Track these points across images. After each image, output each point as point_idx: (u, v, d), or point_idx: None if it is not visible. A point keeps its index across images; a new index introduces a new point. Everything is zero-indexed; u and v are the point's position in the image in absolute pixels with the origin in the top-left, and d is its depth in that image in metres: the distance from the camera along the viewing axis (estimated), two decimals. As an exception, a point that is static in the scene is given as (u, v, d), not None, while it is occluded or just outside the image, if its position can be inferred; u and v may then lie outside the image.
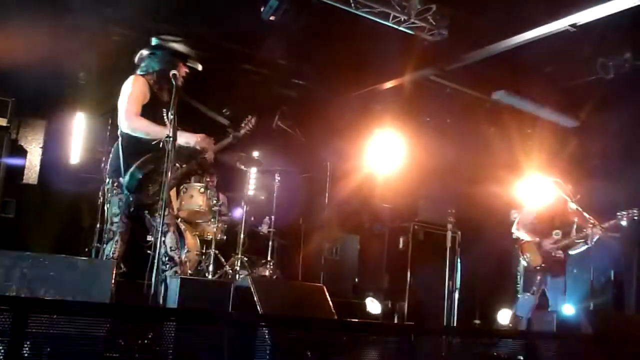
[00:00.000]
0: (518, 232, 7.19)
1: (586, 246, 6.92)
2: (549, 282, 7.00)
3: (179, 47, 4.98)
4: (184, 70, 4.91)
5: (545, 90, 8.79)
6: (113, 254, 4.72)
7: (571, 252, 7.00)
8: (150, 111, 4.84)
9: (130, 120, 4.74)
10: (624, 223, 6.79)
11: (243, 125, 5.44)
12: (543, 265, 6.94)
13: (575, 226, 7.03)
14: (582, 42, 7.41)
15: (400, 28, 7.70)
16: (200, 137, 4.87)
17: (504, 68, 8.40)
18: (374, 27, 7.66)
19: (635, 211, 6.78)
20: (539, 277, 6.93)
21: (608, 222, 6.84)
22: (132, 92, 4.80)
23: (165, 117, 4.88)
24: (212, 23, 7.91)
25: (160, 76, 4.88)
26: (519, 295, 7.12)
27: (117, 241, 4.73)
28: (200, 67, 5.02)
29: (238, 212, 8.22)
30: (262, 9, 7.25)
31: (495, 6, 7.21)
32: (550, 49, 7.61)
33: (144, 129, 4.72)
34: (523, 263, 7.08)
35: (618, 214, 6.85)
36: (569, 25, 6.99)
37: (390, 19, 7.60)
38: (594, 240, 6.84)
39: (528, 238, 7.08)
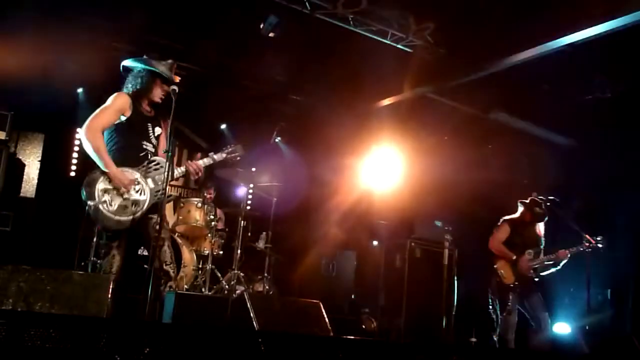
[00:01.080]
0: (493, 249, 7.14)
1: (555, 269, 6.92)
2: (524, 302, 6.95)
3: (162, 69, 4.97)
4: (164, 90, 4.93)
5: (542, 108, 8.82)
6: (110, 268, 4.72)
7: (542, 274, 6.95)
8: (135, 125, 4.89)
9: (90, 131, 4.71)
10: (588, 250, 6.81)
11: (224, 149, 5.21)
12: (516, 283, 6.90)
13: (543, 247, 7.03)
14: (580, 62, 7.44)
15: (399, 46, 7.76)
16: (113, 176, 4.64)
17: (502, 86, 8.43)
18: (373, 45, 7.71)
19: (599, 239, 6.80)
20: (511, 296, 6.87)
21: (573, 248, 6.85)
22: (108, 106, 4.82)
23: (150, 132, 4.93)
24: (212, 38, 7.96)
25: (144, 94, 4.94)
26: (494, 316, 7.06)
27: (113, 255, 4.74)
28: (176, 88, 4.93)
29: (242, 191, 8.18)
30: (261, 26, 7.29)
31: (493, 25, 7.25)
32: (548, 68, 7.65)
33: (96, 149, 4.66)
34: (496, 280, 7.03)
35: (584, 240, 6.84)
36: (567, 45, 7.03)
37: (389, 37, 7.66)
38: (562, 263, 6.86)
39: (503, 254, 7.06)
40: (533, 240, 7.06)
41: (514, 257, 6.94)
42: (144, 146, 4.89)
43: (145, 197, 4.72)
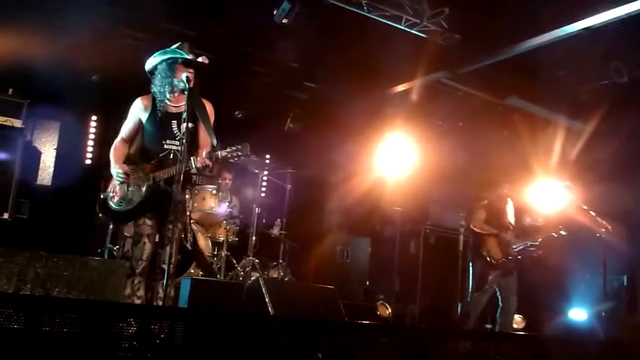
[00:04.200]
0: (477, 229, 7.57)
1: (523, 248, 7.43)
2: (501, 280, 7.37)
3: (173, 54, 4.92)
4: (185, 73, 4.78)
5: (558, 94, 8.75)
6: (140, 255, 4.77)
7: (517, 250, 7.43)
8: (154, 126, 4.91)
9: (114, 143, 5.05)
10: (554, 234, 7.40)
11: (228, 147, 4.81)
12: (503, 259, 7.29)
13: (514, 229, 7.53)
14: (596, 46, 7.37)
15: (413, 31, 7.70)
16: (117, 168, 4.92)
17: (516, 71, 8.37)
18: (387, 30, 7.66)
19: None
20: (491, 276, 7.29)
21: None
22: (127, 118, 5.05)
23: (175, 129, 4.90)
24: (225, 25, 7.94)
25: (167, 86, 4.88)
26: (471, 294, 7.48)
27: (144, 242, 4.80)
28: (206, 60, 4.97)
29: (222, 209, 8.12)
30: (274, 12, 7.26)
31: (508, 10, 7.18)
32: (563, 53, 7.58)
33: (110, 154, 5.00)
34: (482, 261, 7.39)
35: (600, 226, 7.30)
36: (583, 29, 6.96)
37: (403, 22, 7.59)
38: (533, 245, 7.38)
39: (487, 231, 7.46)
40: (506, 222, 7.53)
41: (496, 232, 7.36)
42: (165, 146, 4.87)
43: (139, 195, 4.84)
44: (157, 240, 4.90)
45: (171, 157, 4.84)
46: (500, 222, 7.51)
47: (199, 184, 8.36)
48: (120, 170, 4.85)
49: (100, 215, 5.09)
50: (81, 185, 7.87)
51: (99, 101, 8.57)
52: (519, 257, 7.39)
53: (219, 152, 4.74)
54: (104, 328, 3.15)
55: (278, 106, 9.85)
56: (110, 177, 4.97)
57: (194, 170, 4.77)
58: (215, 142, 4.79)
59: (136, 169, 4.90)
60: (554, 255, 8.58)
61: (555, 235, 7.36)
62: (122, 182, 4.87)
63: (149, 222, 4.84)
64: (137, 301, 4.58)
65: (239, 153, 4.71)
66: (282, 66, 9.11)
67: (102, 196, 5.00)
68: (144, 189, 4.82)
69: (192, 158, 4.72)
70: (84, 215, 7.80)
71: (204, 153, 4.73)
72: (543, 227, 7.52)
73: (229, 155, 4.73)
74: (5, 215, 6.99)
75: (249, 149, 4.71)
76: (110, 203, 4.95)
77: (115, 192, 4.94)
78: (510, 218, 7.62)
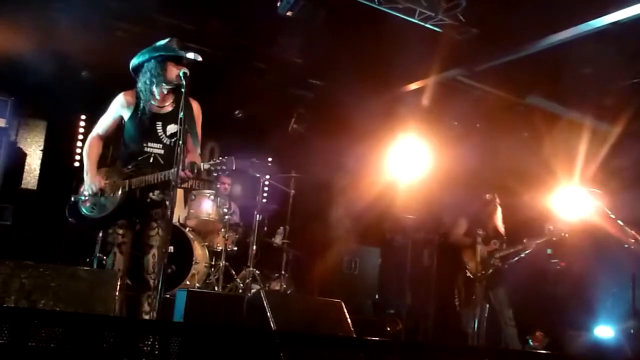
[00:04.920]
0: (452, 240, 7.88)
1: (516, 258, 7.58)
2: (490, 294, 7.53)
3: (163, 51, 4.90)
4: (178, 71, 4.71)
5: (583, 93, 8.72)
6: (112, 266, 4.79)
7: (508, 262, 7.57)
8: (136, 127, 4.89)
9: (89, 138, 5.04)
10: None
11: (212, 161, 4.87)
12: (482, 272, 7.37)
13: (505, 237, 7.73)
14: (625, 42, 7.35)
15: (427, 25, 7.69)
16: (93, 181, 4.92)
17: (538, 68, 8.35)
18: (399, 24, 7.65)
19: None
20: (475, 290, 7.39)
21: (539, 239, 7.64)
22: (106, 112, 5.02)
23: (159, 131, 4.89)
24: (225, 18, 7.95)
25: (155, 85, 4.87)
26: (459, 310, 7.67)
27: (114, 253, 4.81)
28: (199, 57, 4.94)
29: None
30: (278, 4, 7.26)
31: (529, 2, 7.17)
32: (589, 49, 7.55)
33: (84, 152, 5.01)
34: (463, 274, 7.64)
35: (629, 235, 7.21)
36: (611, 23, 6.93)
37: (417, 16, 7.58)
38: (525, 253, 7.56)
39: (462, 243, 7.73)
40: (495, 231, 7.72)
41: (470, 241, 7.57)
42: (146, 148, 4.87)
43: (112, 202, 4.85)
44: (132, 249, 4.91)
45: (151, 161, 4.84)
46: (487, 232, 7.60)
47: (195, 188, 8.37)
48: (94, 185, 4.86)
49: (70, 220, 5.07)
50: (69, 189, 7.87)
51: (89, 99, 8.55)
52: (506, 266, 7.51)
53: (202, 165, 4.80)
54: (93, 343, 3.14)
55: (281, 105, 9.85)
56: (82, 179, 4.97)
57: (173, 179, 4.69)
58: (198, 149, 4.86)
59: (111, 173, 4.90)
60: (578, 267, 8.55)
61: (550, 252, 7.46)
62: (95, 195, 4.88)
63: (120, 231, 4.85)
64: None
65: (223, 167, 4.78)
66: (286, 62, 9.11)
67: (72, 199, 4.99)
68: (118, 195, 4.83)
69: (171, 170, 4.59)
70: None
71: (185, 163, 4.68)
72: (536, 238, 7.64)
73: (212, 169, 4.81)
74: (-12, 222, 7.01)
75: (233, 164, 4.76)
76: (82, 208, 4.95)
77: (87, 197, 4.93)
78: (499, 226, 7.76)
